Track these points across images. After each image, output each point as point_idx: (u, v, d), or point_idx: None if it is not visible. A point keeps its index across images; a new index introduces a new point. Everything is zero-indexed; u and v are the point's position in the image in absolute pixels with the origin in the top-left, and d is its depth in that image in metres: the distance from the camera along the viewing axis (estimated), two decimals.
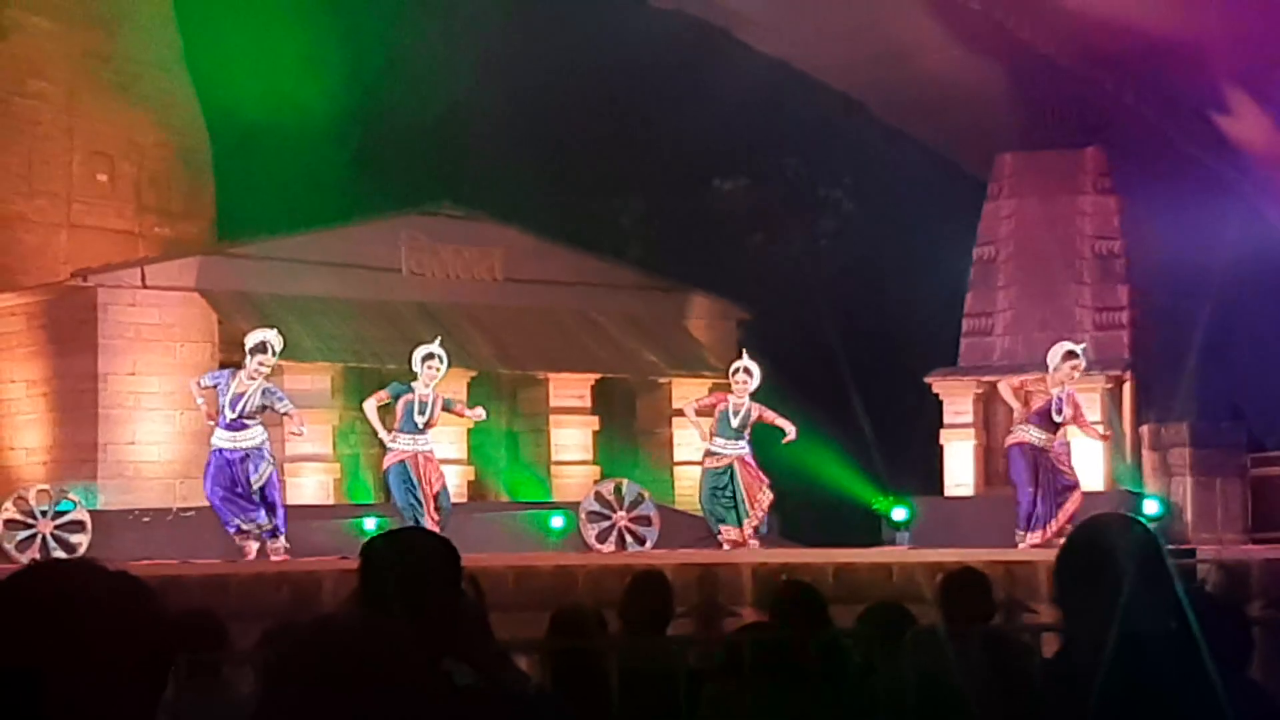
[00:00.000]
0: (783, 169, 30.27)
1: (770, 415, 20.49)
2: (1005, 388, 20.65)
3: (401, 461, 19.12)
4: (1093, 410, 24.02)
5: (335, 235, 24.25)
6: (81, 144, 24.43)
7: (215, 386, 18.57)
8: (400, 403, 19.22)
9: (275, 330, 19.27)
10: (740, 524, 20.25)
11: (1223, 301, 23.98)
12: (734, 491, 20.27)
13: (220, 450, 18.50)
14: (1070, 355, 20.24)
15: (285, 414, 19.07)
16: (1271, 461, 23.52)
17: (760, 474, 20.45)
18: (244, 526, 18.44)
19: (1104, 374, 24.05)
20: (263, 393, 18.60)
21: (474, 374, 23.79)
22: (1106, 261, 24.68)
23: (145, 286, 22.89)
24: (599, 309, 25.94)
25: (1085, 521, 4.46)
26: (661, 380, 25.70)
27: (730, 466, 20.29)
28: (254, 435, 18.60)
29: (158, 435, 22.69)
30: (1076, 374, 20.31)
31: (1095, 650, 4.14)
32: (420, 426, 19.16)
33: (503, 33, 27.42)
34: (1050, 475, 20.05)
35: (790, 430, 20.49)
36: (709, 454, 20.62)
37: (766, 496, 20.43)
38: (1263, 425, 24.30)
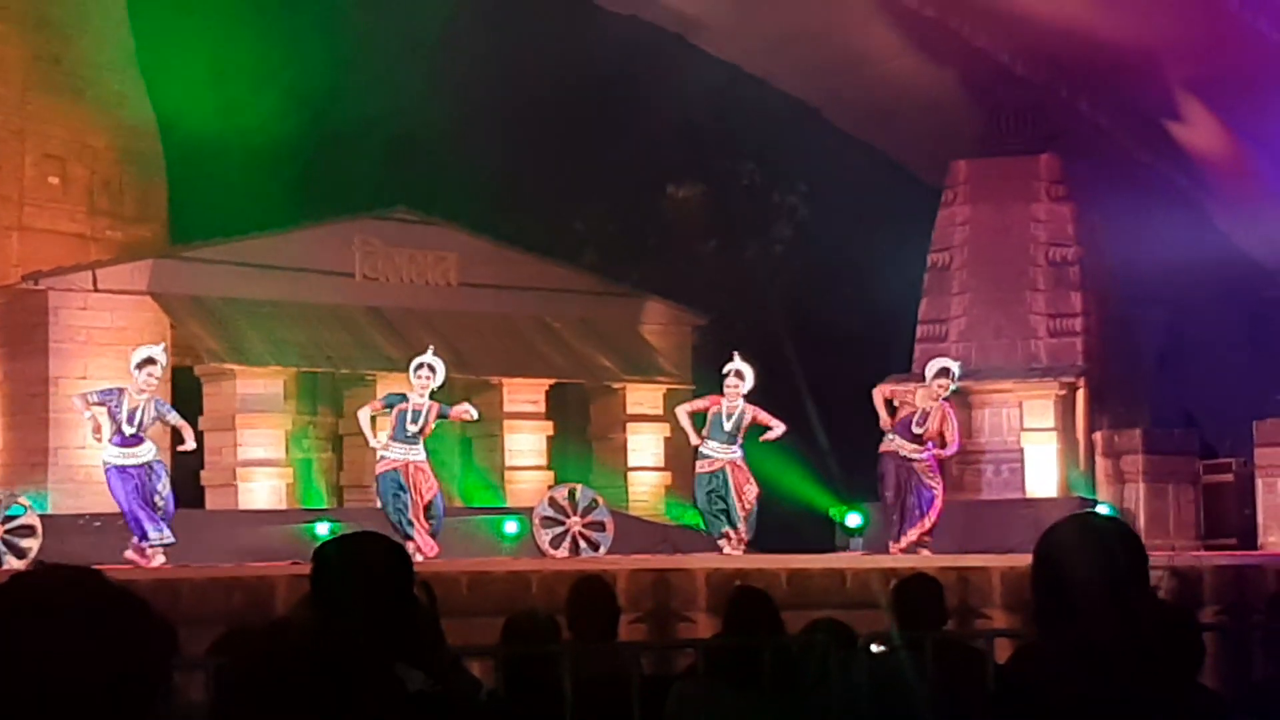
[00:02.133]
0: (738, 175, 30.28)
1: (764, 416, 20.45)
2: (877, 395, 20.81)
3: (394, 469, 19.19)
4: (1044, 417, 24.11)
5: (288, 239, 24.18)
6: (33, 146, 24.29)
7: (105, 404, 18.48)
8: (394, 412, 19.30)
9: (161, 346, 19.28)
10: (735, 526, 20.26)
11: (1176, 308, 24.11)
12: (726, 495, 20.28)
13: (120, 467, 18.42)
14: (943, 372, 20.46)
15: (177, 426, 18.96)
16: (1223, 468, 23.63)
17: (750, 477, 20.43)
18: (154, 539, 18.31)
19: (1057, 380, 24.14)
20: (155, 405, 18.61)
21: None
22: (1060, 268, 24.76)
23: (97, 290, 22.78)
24: (554, 314, 25.93)
25: (1065, 522, 4.41)
26: (616, 386, 25.70)
27: (723, 470, 20.32)
28: (148, 450, 18.58)
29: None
30: (944, 391, 20.49)
31: (1068, 657, 4.13)
32: (413, 435, 19.25)
33: (456, 39, 27.36)
34: (915, 485, 20.31)
35: (778, 429, 20.48)
36: (701, 457, 20.57)
37: (751, 492, 20.40)
38: (1215, 432, 24.41)
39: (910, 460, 20.39)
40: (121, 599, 2.89)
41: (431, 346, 20.10)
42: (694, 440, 20.60)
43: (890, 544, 20.36)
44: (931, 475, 20.50)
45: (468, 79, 27.40)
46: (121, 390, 18.58)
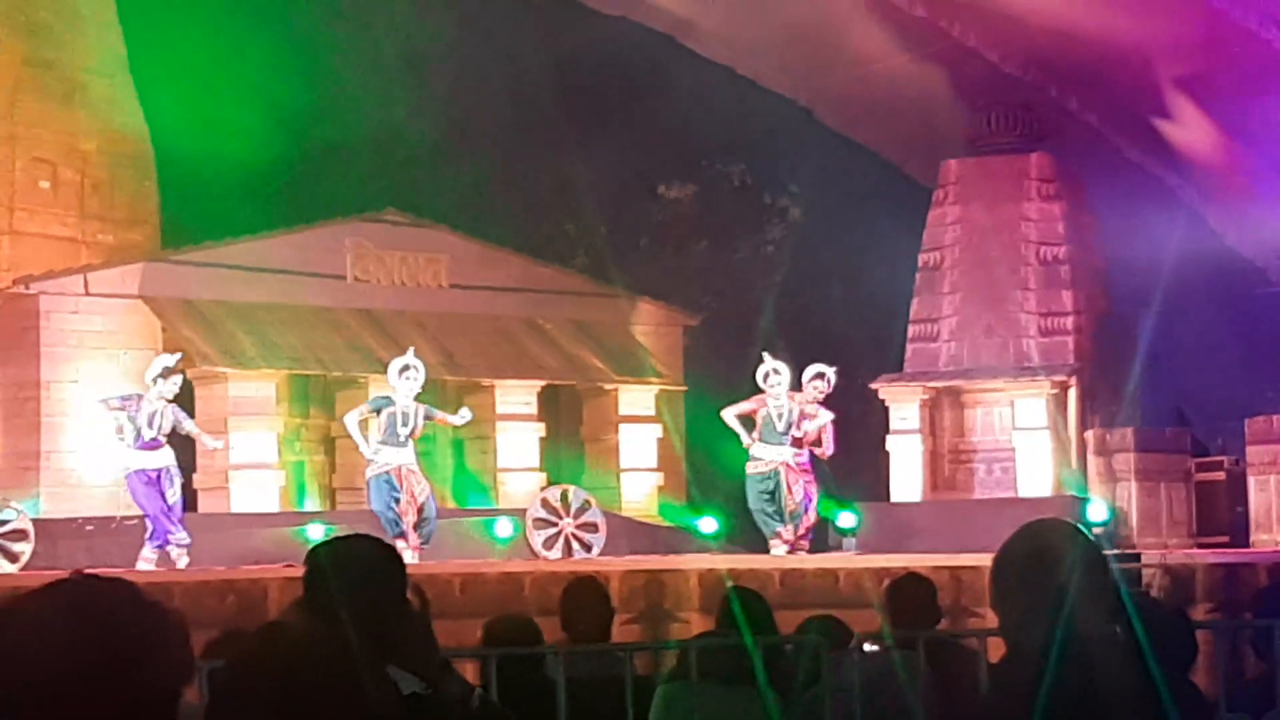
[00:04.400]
0: (729, 176, 30.27)
1: (811, 411, 20.57)
2: (728, 417, 20.67)
3: (386, 473, 19.24)
4: (1036, 416, 24.11)
5: (280, 241, 24.16)
6: (24, 150, 24.25)
7: (125, 408, 18.83)
8: (383, 416, 19.38)
9: (180, 354, 19.66)
10: (785, 524, 20.29)
11: (1167, 307, 24.11)
12: (780, 496, 20.31)
13: (142, 470, 18.80)
14: (819, 376, 20.60)
15: (192, 435, 19.30)
16: (1215, 466, 23.65)
17: (801, 477, 20.43)
18: (180, 541, 18.63)
19: (1049, 379, 24.14)
20: (173, 411, 19.02)
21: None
22: (1051, 267, 24.77)
23: (88, 294, 22.77)
24: (545, 315, 25.92)
25: (1025, 527, 4.44)
26: (608, 387, 25.68)
27: (777, 471, 20.33)
28: (166, 455, 18.99)
29: (100, 443, 22.56)
30: (821, 394, 20.57)
31: (1037, 656, 4.14)
32: (404, 439, 19.31)
33: (446, 43, 27.36)
34: (792, 487, 20.36)
35: (827, 416, 20.54)
36: (752, 459, 20.55)
37: (800, 492, 20.40)
38: (1207, 430, 24.42)
39: (786, 463, 20.44)
40: (153, 607, 2.92)
41: (412, 348, 20.17)
42: (745, 442, 20.55)
43: (773, 542, 20.44)
44: (808, 477, 20.53)
45: (458, 83, 27.40)
46: (140, 396, 18.90)
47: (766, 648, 6.94)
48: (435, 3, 27.34)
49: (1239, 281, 25.01)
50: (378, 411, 19.48)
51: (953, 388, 24.67)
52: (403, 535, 18.68)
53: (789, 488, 20.32)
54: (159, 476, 18.78)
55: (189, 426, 19.33)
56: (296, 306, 23.91)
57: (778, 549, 20.20)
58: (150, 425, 18.75)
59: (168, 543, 18.69)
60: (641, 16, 27.53)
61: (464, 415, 20.44)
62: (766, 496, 20.38)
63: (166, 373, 18.98)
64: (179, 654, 2.93)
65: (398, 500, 19.18)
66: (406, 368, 19.58)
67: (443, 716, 4.81)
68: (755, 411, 20.55)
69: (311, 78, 25.77)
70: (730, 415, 20.69)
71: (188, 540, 18.73)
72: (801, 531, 20.44)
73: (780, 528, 20.29)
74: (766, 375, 20.59)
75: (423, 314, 24.82)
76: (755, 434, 20.45)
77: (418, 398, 19.63)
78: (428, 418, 19.67)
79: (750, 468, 20.56)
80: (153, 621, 2.90)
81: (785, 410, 20.41)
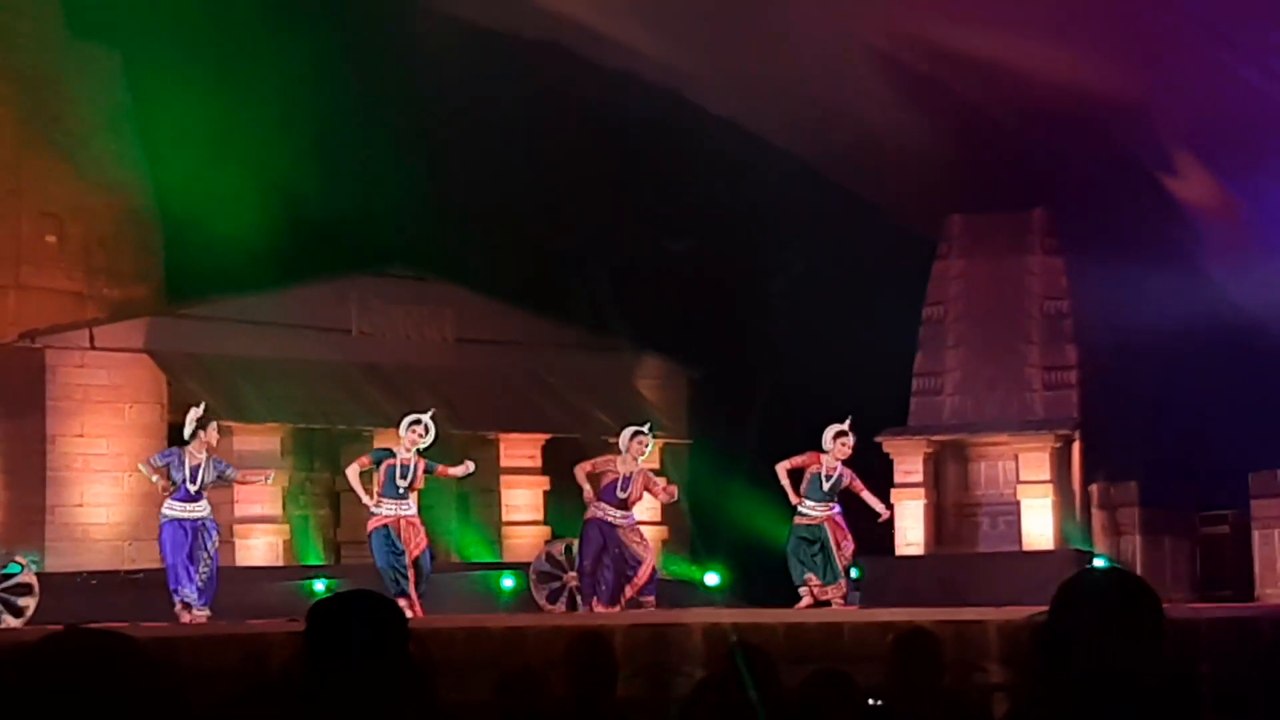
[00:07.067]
0: (733, 230, 30.32)
1: (860, 486, 20.41)
2: (579, 471, 20.65)
3: (385, 526, 19.20)
4: (1040, 470, 24.08)
5: (285, 296, 24.22)
6: (30, 205, 24.30)
7: (167, 465, 18.73)
8: (382, 467, 19.30)
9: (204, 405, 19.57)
10: (835, 581, 20.15)
11: (1170, 360, 24.12)
12: (826, 550, 20.16)
13: (179, 521, 18.69)
14: (636, 435, 20.57)
15: (236, 480, 19.36)
16: (1219, 520, 23.60)
17: (848, 534, 20.30)
18: (186, 597, 18.56)
19: (1053, 433, 24.13)
20: (214, 464, 18.83)
21: None
22: (1054, 321, 24.80)
23: (94, 348, 22.81)
24: (550, 369, 25.94)
25: (1080, 576, 4.41)
26: (612, 440, 25.67)
27: (822, 525, 20.19)
28: (205, 506, 18.89)
29: (106, 497, 22.59)
30: (642, 452, 20.55)
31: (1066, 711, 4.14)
32: (402, 491, 19.25)
33: (453, 99, 27.42)
34: (619, 549, 20.19)
35: (882, 511, 20.52)
36: (799, 514, 20.38)
37: (848, 549, 20.32)
38: (1211, 484, 24.39)
39: (616, 526, 20.34)
40: (150, 661, 2.91)
41: (433, 410, 20.06)
42: (792, 500, 20.35)
43: (585, 605, 20.29)
44: (639, 541, 20.41)
45: (465, 139, 27.45)
46: (181, 450, 18.76)
47: (771, 702, 6.94)
48: (439, 62, 27.40)
49: (1242, 335, 25.01)
50: (378, 464, 19.45)
51: (957, 441, 24.66)
52: (404, 594, 18.63)
53: (836, 544, 20.18)
54: (194, 529, 18.73)
55: (232, 473, 19.33)
56: (302, 360, 23.94)
57: (805, 599, 20.05)
58: (194, 480, 18.74)
59: (176, 593, 18.62)
60: (647, 72, 27.61)
61: (467, 466, 20.30)
62: (811, 546, 20.21)
63: (202, 421, 18.94)
64: (176, 708, 2.92)
65: (398, 555, 19.15)
66: (417, 421, 19.50)
67: None
68: (806, 466, 20.41)
69: (316, 140, 25.79)
70: (782, 470, 20.51)
71: (195, 600, 18.60)
72: (639, 584, 20.23)
73: (810, 574, 20.16)
74: (840, 435, 20.42)
75: (428, 368, 24.85)
76: (802, 490, 20.35)
77: (423, 453, 19.58)
78: (427, 471, 19.62)
79: (797, 521, 20.36)
80: (148, 675, 2.89)
81: (836, 473, 20.31)
